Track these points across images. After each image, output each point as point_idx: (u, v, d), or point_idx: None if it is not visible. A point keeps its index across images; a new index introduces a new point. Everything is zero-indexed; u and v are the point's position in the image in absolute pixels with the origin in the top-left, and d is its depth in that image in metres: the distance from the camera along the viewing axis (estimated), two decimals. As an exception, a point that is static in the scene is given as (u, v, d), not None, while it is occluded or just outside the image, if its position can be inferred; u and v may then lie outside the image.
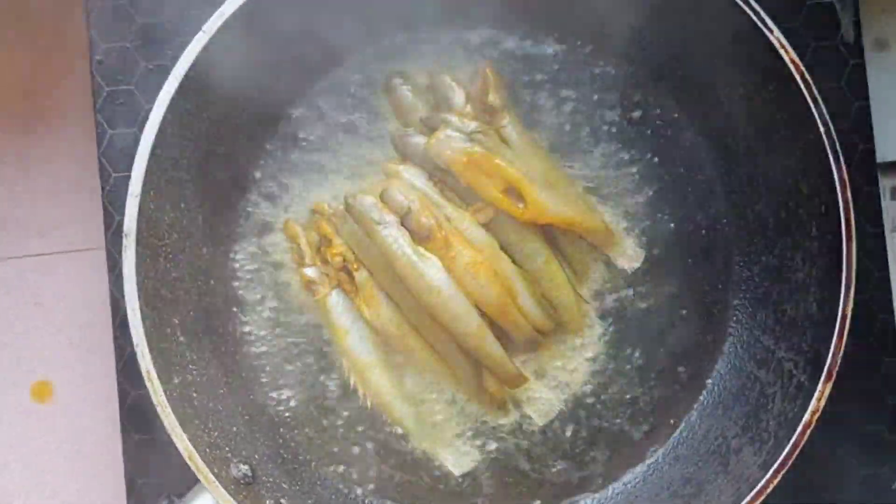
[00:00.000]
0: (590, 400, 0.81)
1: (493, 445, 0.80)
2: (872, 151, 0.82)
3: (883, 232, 0.82)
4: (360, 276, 0.78)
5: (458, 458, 0.80)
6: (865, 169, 0.82)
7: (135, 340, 0.70)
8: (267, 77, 0.78)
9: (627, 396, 0.81)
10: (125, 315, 0.75)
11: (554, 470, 0.80)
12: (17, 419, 0.99)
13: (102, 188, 0.81)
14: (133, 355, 0.78)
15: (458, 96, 0.79)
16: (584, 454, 0.80)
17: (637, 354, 0.81)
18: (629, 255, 0.82)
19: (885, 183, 0.84)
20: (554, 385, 0.80)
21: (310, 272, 0.79)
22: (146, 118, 0.78)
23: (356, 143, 0.82)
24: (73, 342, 1.00)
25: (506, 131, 0.79)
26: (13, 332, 1.01)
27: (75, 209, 1.02)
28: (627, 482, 0.80)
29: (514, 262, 0.78)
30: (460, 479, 0.80)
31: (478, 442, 0.80)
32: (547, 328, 0.79)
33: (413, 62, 0.82)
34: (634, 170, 0.82)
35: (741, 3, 0.71)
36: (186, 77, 0.71)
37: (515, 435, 0.80)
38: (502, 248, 0.78)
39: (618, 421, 0.81)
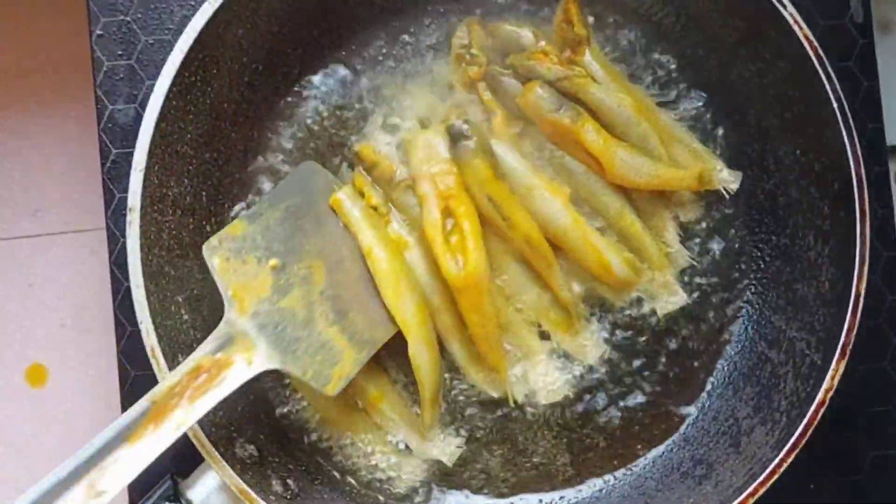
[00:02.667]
0: (597, 378, 0.80)
1: (486, 430, 0.79)
2: (882, 131, 0.82)
3: (892, 212, 0.82)
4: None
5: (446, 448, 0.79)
6: (875, 149, 0.81)
7: (139, 318, 0.68)
8: (275, 49, 0.77)
9: (636, 376, 0.80)
10: (126, 294, 0.74)
11: (560, 456, 0.80)
12: (10, 404, 0.98)
13: (102, 165, 0.79)
14: (133, 335, 0.78)
15: (527, 37, 0.78)
16: (590, 435, 0.80)
17: (645, 336, 0.80)
18: (726, 178, 0.80)
19: (892, 167, 0.84)
20: (560, 366, 0.80)
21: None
22: (147, 93, 0.77)
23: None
24: (68, 325, 0.99)
25: (591, 65, 0.78)
26: (6, 315, 1.00)
27: (70, 189, 1.00)
28: (638, 463, 0.79)
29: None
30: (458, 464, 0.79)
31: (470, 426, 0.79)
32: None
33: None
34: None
35: (754, -21, 0.70)
36: (192, 49, 0.70)
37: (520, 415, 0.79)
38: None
39: (627, 401, 0.80)
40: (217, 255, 0.68)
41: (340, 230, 0.74)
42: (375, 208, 0.76)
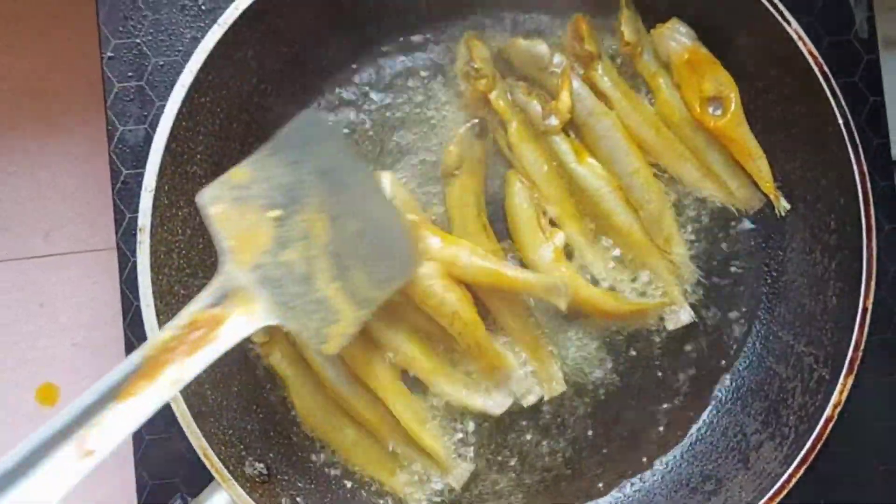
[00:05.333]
0: (606, 398, 0.80)
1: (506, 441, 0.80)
2: (887, 146, 0.82)
3: (898, 227, 0.82)
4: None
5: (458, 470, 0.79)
6: (880, 164, 0.81)
7: (149, 337, 0.69)
8: (284, 71, 0.78)
9: (644, 391, 0.80)
10: (136, 313, 0.74)
11: (568, 473, 0.80)
12: (21, 423, 0.98)
13: (113, 185, 0.80)
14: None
15: (542, 51, 0.78)
16: (600, 450, 0.80)
17: (653, 351, 0.80)
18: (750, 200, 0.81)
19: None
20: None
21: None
22: (157, 114, 0.78)
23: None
24: (79, 344, 0.99)
25: (602, 80, 0.79)
26: (17, 335, 1.00)
27: (81, 210, 1.01)
28: (645, 479, 0.79)
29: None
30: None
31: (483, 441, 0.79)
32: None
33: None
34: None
35: (760, -3, 0.71)
36: (201, 70, 0.71)
37: (533, 431, 0.79)
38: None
39: (635, 416, 0.80)
40: (215, 203, 0.64)
41: (343, 183, 0.71)
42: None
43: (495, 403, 0.78)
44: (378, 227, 0.72)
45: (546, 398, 0.79)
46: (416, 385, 0.78)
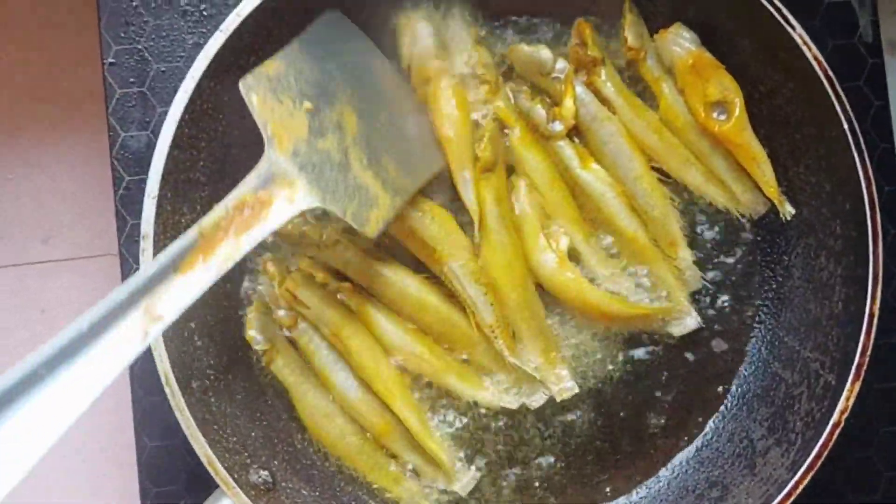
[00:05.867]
0: (612, 403, 0.80)
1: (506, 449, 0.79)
2: (892, 150, 0.82)
3: (903, 231, 0.82)
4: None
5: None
6: (885, 168, 0.81)
7: (152, 344, 0.68)
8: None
9: (650, 397, 0.80)
10: (139, 320, 0.74)
11: (573, 480, 0.79)
12: (22, 429, 0.97)
13: (115, 191, 0.80)
14: (146, 361, 0.77)
15: (545, 56, 0.78)
16: (604, 456, 0.79)
17: (659, 357, 0.80)
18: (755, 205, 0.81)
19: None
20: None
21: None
22: (159, 121, 0.78)
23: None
24: (80, 350, 0.99)
25: (605, 86, 0.79)
26: (17, 341, 1.00)
27: (81, 216, 1.01)
28: (651, 486, 0.79)
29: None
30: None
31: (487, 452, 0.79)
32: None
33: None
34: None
35: (764, 1, 0.70)
36: (204, 76, 0.70)
37: (535, 445, 0.79)
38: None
39: (639, 422, 0.80)
40: (255, 91, 0.67)
41: (370, 79, 0.75)
42: (327, 285, 0.77)
43: (510, 399, 0.78)
44: (405, 120, 0.76)
45: (557, 400, 0.79)
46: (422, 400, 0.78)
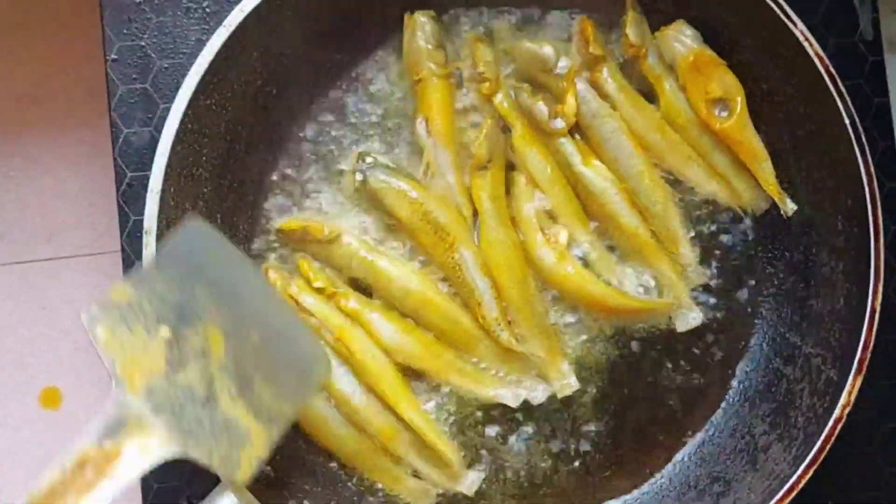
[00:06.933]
0: (613, 399, 0.80)
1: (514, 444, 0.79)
2: (893, 147, 0.82)
3: (904, 228, 0.82)
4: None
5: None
6: (886, 165, 0.81)
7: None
8: (290, 73, 0.78)
9: (651, 393, 0.80)
10: (141, 316, 0.74)
11: (574, 477, 0.80)
12: (24, 427, 0.98)
13: (117, 188, 0.80)
14: (148, 357, 0.78)
15: (548, 53, 0.78)
16: (606, 452, 0.79)
17: (660, 352, 0.80)
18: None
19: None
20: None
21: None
22: (162, 117, 0.78)
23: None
24: (81, 348, 0.99)
25: (607, 84, 0.79)
26: (19, 339, 1.00)
27: (83, 213, 1.01)
28: (653, 482, 0.79)
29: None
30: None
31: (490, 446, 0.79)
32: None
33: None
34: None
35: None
36: (207, 72, 0.70)
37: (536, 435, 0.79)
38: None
39: (641, 417, 0.80)
40: (100, 324, 0.58)
41: (238, 294, 0.66)
42: (324, 290, 0.77)
43: (512, 395, 0.78)
44: (280, 336, 0.67)
45: (559, 396, 0.79)
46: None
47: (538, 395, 0.79)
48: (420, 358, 0.77)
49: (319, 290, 0.77)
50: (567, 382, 0.79)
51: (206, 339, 0.62)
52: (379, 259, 0.77)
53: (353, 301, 0.77)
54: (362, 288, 0.78)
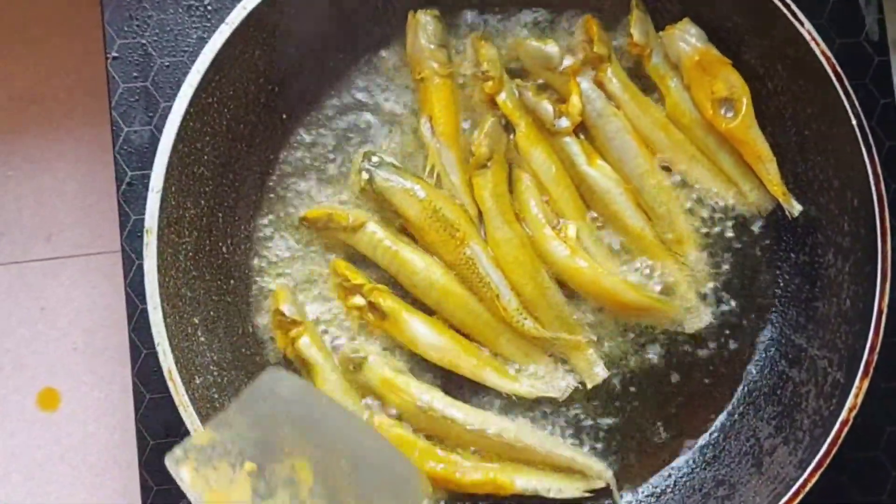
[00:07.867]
0: (620, 400, 0.79)
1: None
2: (898, 148, 0.82)
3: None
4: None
5: None
6: (893, 165, 0.81)
7: (156, 340, 0.68)
8: (291, 71, 0.77)
9: (657, 395, 0.79)
10: (141, 317, 0.73)
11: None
12: (22, 428, 0.97)
13: (118, 187, 0.79)
14: (148, 358, 0.77)
15: (553, 51, 0.78)
16: (612, 453, 0.79)
17: (666, 355, 0.80)
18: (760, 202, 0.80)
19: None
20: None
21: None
22: (163, 115, 0.77)
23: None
24: (80, 348, 0.98)
25: (611, 82, 0.79)
26: (18, 339, 0.99)
27: (82, 213, 1.00)
28: (657, 483, 0.79)
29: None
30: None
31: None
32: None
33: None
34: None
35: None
36: (208, 71, 0.70)
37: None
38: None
39: (646, 419, 0.79)
40: (184, 465, 0.61)
41: (321, 427, 0.66)
42: (362, 287, 0.77)
43: (545, 389, 0.79)
44: (371, 461, 0.67)
45: (588, 386, 0.79)
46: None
47: (565, 387, 0.79)
48: (456, 355, 0.77)
49: (358, 287, 0.77)
50: (595, 371, 0.78)
51: (293, 469, 0.63)
52: (403, 249, 0.77)
53: (389, 299, 0.77)
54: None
